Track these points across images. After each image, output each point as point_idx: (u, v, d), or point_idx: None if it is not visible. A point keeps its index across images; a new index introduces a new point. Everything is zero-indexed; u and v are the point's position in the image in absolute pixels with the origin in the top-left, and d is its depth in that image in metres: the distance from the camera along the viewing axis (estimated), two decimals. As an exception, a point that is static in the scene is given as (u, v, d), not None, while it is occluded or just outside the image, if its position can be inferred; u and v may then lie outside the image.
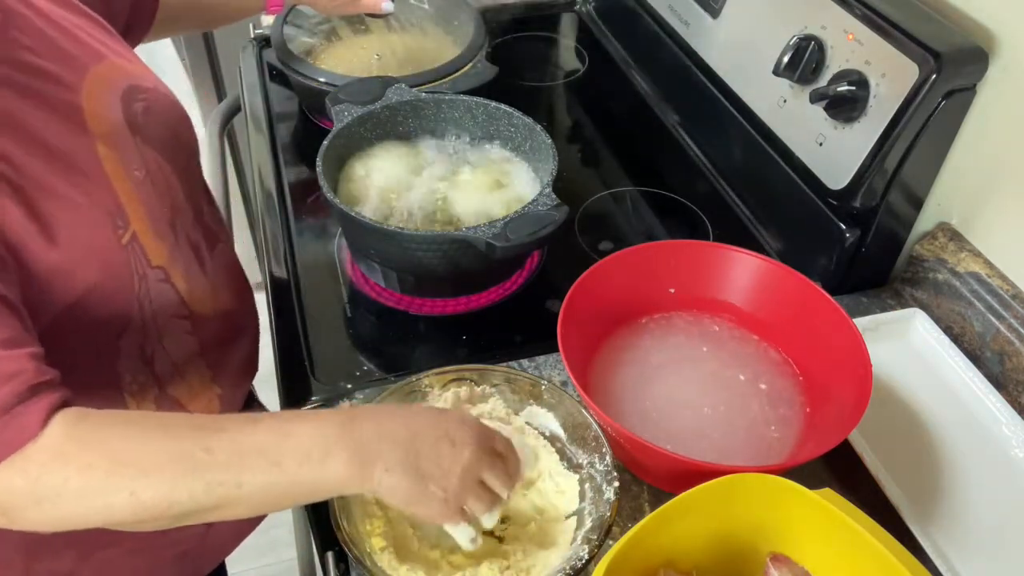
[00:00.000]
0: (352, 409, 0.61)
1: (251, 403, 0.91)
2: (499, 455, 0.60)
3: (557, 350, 0.69)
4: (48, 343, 0.56)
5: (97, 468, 0.52)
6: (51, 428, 0.52)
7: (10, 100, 0.60)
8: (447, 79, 1.08)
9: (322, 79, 1.08)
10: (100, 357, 0.68)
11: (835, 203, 0.87)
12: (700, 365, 0.78)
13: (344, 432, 0.56)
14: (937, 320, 0.86)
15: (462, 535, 0.61)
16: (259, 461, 0.54)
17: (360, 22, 1.23)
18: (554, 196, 0.83)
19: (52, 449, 0.52)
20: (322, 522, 0.65)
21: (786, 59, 0.87)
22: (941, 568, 0.65)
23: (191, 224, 0.77)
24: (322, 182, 0.84)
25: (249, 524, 0.89)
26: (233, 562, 1.00)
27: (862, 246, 0.88)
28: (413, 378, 0.72)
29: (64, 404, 0.54)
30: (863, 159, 0.82)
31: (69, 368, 0.56)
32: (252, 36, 1.31)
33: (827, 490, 0.57)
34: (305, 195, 1.05)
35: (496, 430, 0.62)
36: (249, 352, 0.87)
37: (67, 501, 0.52)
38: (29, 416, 0.51)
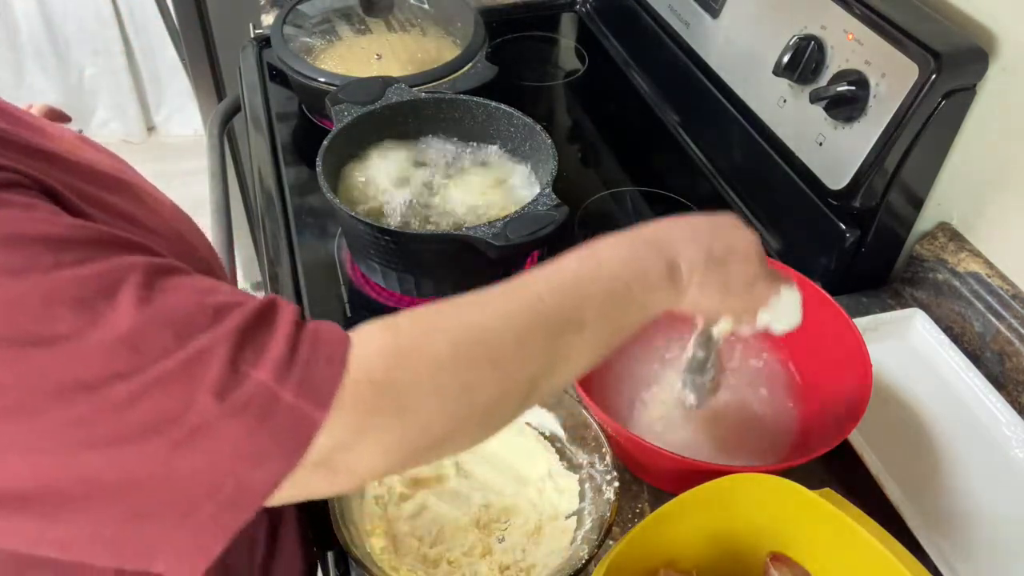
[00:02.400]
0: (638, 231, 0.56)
1: None
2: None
3: (557, 350, 0.69)
4: None
5: (443, 351, 0.44)
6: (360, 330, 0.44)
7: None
8: (447, 79, 1.08)
9: (322, 79, 1.08)
10: None
11: (835, 203, 0.87)
12: (700, 365, 0.78)
13: (648, 248, 0.53)
14: (937, 320, 0.86)
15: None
16: (592, 288, 0.50)
17: (360, 22, 1.23)
18: (554, 196, 0.83)
19: (380, 347, 0.43)
20: (322, 522, 0.65)
21: (786, 59, 0.87)
22: (941, 568, 0.65)
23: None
24: (322, 182, 0.84)
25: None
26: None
27: (862, 246, 0.88)
28: (413, 378, 0.72)
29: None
30: (863, 159, 0.82)
31: None
32: (252, 36, 1.31)
33: (827, 490, 0.57)
34: (305, 195, 1.05)
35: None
36: None
37: (427, 397, 0.43)
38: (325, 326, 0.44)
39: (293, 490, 0.43)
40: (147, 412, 0.39)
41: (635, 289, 0.52)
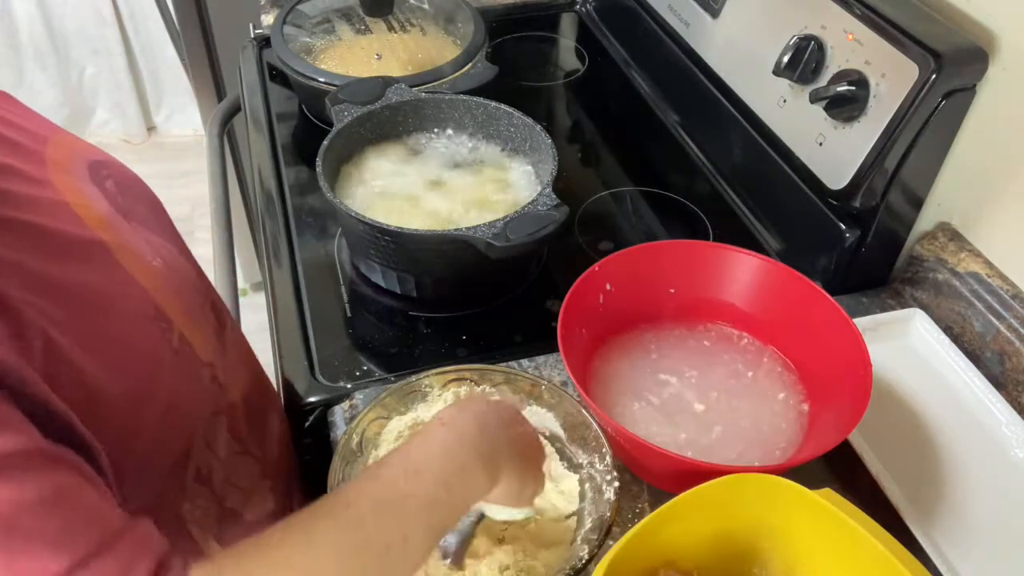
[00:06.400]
0: (449, 419, 0.57)
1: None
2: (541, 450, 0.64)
3: (557, 350, 0.69)
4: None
5: None
6: None
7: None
8: (447, 79, 1.08)
9: (322, 79, 1.08)
10: (163, 497, 0.58)
11: (835, 203, 0.87)
12: (700, 365, 0.78)
13: (474, 457, 0.55)
14: (937, 320, 0.86)
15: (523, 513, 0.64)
16: (414, 504, 0.51)
17: (360, 22, 1.23)
18: (554, 196, 0.83)
19: None
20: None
21: (786, 59, 0.87)
22: (941, 568, 0.65)
23: (209, 306, 0.70)
24: (322, 182, 0.84)
25: None
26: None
27: (862, 246, 0.88)
28: (413, 378, 0.72)
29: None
30: (863, 159, 0.82)
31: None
32: (252, 36, 1.31)
33: (827, 490, 0.57)
34: (305, 195, 1.05)
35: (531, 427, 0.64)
36: (280, 430, 0.80)
37: None
38: None
39: None
40: None
41: (457, 496, 0.54)
